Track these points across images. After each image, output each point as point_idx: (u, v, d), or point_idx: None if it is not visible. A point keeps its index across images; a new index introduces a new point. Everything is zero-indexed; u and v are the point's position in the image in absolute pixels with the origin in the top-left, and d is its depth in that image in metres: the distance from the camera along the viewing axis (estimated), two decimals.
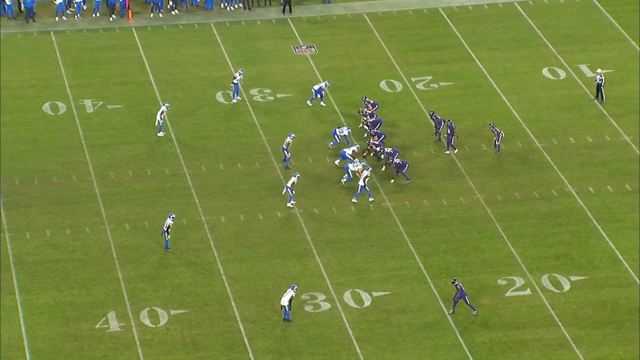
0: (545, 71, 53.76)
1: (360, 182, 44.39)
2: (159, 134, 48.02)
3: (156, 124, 47.98)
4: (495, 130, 47.60)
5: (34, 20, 55.83)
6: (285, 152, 46.35)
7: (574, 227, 43.95)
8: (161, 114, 47.94)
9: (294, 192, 44.14)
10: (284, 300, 38.78)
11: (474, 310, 39.43)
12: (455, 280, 39.61)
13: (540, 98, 51.86)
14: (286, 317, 38.92)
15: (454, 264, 41.95)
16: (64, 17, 56.36)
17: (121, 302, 39.86)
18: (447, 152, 47.23)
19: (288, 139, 46.48)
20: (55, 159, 46.91)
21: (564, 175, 46.80)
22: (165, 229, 41.70)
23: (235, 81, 50.12)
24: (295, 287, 39.09)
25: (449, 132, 47.25)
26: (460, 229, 43.71)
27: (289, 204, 44.15)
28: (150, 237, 42.85)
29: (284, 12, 57.46)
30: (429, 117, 48.75)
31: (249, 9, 57.99)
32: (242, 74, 50.60)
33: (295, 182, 44.16)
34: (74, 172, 46.16)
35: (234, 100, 49.99)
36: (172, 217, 41.81)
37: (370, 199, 44.67)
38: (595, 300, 40.36)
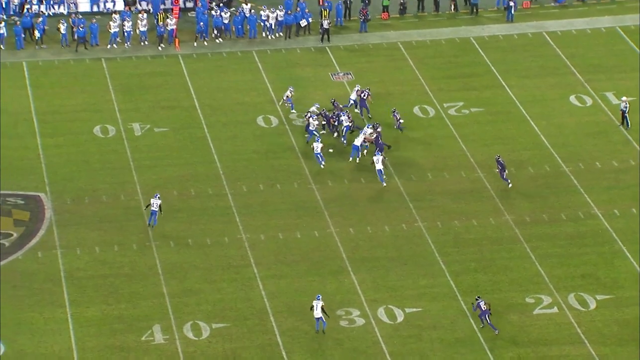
0: (572, 98, 53.52)
1: (379, 167, 45.63)
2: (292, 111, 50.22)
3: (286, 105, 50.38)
4: (396, 115, 48.47)
5: (85, 48, 56.33)
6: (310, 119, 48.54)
7: (599, 248, 43.62)
8: (287, 97, 50.28)
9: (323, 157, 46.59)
10: (317, 313, 38.76)
11: (495, 331, 39.10)
12: (478, 298, 39.34)
13: (568, 124, 51.62)
14: (323, 327, 38.83)
15: (483, 282, 41.75)
16: (114, 45, 56.87)
17: (166, 316, 39.98)
18: (510, 184, 46.29)
19: (311, 113, 48.59)
20: (105, 179, 47.21)
21: (590, 198, 46.49)
22: (155, 210, 43.01)
23: (285, 97, 50.61)
24: (320, 296, 39.05)
25: (499, 167, 46.30)
26: (490, 249, 43.51)
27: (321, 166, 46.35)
28: (193, 254, 42.99)
29: (322, 41, 57.64)
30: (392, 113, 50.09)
31: (289, 37, 58.25)
32: (293, 92, 50.96)
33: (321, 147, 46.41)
34: (122, 192, 46.43)
35: (293, 110, 50.61)
36: (158, 197, 43.36)
37: (383, 184, 45.06)
38: (620, 318, 39.99)
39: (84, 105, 52.37)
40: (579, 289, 41.42)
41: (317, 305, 39.00)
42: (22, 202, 45.58)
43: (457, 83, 54.64)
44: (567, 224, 44.97)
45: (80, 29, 56.07)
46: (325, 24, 57.25)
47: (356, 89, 51.67)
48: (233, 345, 38.82)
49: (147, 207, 44.20)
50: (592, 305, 40.67)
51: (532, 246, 43.69)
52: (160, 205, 43.72)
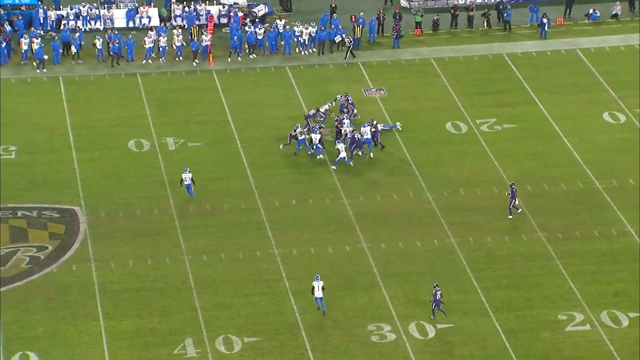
0: (605, 115, 53.24)
1: (343, 154, 48.12)
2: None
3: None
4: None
5: (117, 63, 56.68)
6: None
7: (632, 265, 43.27)
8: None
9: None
10: (318, 293, 39.53)
11: (444, 314, 39.89)
12: (436, 286, 39.75)
13: (601, 141, 51.34)
14: (322, 307, 39.83)
15: (515, 299, 41.54)
16: (149, 61, 57.23)
17: (198, 329, 40.08)
18: (510, 216, 45.64)
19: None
20: (139, 193, 47.45)
21: (623, 215, 46.17)
22: (189, 184, 45.72)
23: (323, 110, 51.18)
24: (319, 276, 39.93)
25: (510, 194, 45.67)
26: (522, 265, 43.30)
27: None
28: (226, 268, 43.09)
29: (354, 57, 57.72)
30: (346, 100, 51.25)
31: (323, 53, 58.39)
32: (331, 106, 51.63)
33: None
34: (156, 206, 46.64)
35: (322, 125, 51.14)
36: (188, 170, 46.05)
37: (350, 164, 47.89)
38: None
39: (119, 120, 52.70)
40: (611, 307, 41.12)
41: (318, 286, 39.73)
42: (58, 215, 45.91)
43: (489, 99, 54.51)
44: (599, 241, 44.67)
45: (116, 45, 56.46)
46: (347, 41, 57.36)
47: (339, 97, 52.22)
48: (265, 359, 38.83)
49: (180, 184, 46.03)
50: (625, 323, 40.34)
51: (564, 263, 43.43)
52: (192, 178, 46.03)
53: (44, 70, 55.78)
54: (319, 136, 49.36)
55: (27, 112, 52.97)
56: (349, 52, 57.46)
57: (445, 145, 50.78)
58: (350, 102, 52.15)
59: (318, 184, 48.20)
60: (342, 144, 48.62)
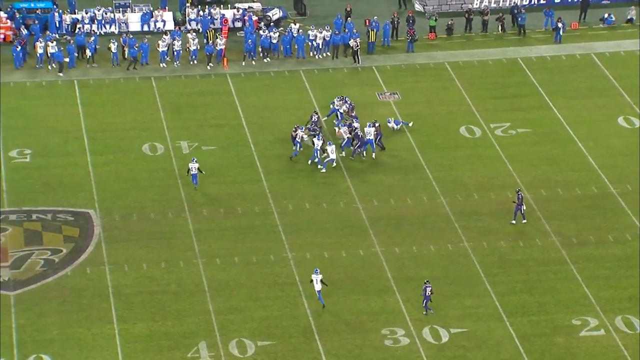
0: (620, 119, 53.11)
1: (332, 156, 48.45)
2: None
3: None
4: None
5: (135, 68, 56.85)
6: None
7: None
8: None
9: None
10: (317, 286, 40.04)
11: (431, 311, 40.28)
12: (427, 282, 40.14)
13: (616, 145, 51.20)
14: (321, 301, 40.35)
15: (529, 304, 41.45)
16: (164, 64, 57.34)
17: (211, 333, 40.12)
18: (513, 221, 45.39)
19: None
20: (153, 197, 47.55)
21: (638, 220, 46.01)
22: (196, 173, 46.50)
23: (342, 111, 51.55)
24: (318, 270, 40.27)
25: (517, 201, 45.55)
26: (536, 270, 43.20)
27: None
28: (239, 272, 43.12)
29: (355, 62, 57.52)
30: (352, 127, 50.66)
31: (337, 57, 58.40)
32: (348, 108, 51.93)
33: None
34: (170, 209, 46.73)
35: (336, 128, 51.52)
36: (195, 160, 46.93)
37: (322, 170, 48.18)
38: None
39: (134, 124, 52.83)
40: (626, 312, 40.99)
41: (317, 279, 40.08)
42: (72, 218, 46.04)
43: (504, 103, 54.44)
44: (614, 245, 44.54)
45: (135, 49, 56.59)
46: (353, 45, 57.35)
47: (337, 99, 52.15)
48: None
49: (187, 173, 46.94)
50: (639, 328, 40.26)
51: (578, 268, 43.31)
52: (198, 168, 46.96)
53: (60, 74, 55.93)
54: (320, 142, 49.16)
55: (42, 115, 53.16)
56: (356, 56, 57.41)
57: (459, 149, 50.72)
58: (349, 104, 51.87)
59: (332, 188, 48.20)
60: (332, 146, 48.65)
